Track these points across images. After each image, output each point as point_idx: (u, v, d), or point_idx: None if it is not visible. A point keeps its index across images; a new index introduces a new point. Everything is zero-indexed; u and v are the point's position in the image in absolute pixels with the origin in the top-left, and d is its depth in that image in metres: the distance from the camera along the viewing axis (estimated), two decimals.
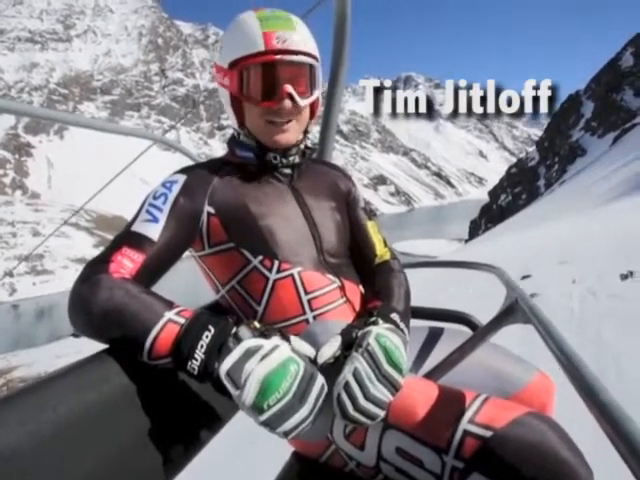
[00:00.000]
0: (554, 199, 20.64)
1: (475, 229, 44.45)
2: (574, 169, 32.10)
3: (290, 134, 0.92)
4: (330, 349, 0.78)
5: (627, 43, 41.32)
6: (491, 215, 43.75)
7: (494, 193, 48.82)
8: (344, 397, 0.71)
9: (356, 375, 0.72)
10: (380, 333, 0.77)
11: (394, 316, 0.86)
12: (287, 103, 0.87)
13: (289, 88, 0.86)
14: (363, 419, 0.71)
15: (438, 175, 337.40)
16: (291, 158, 0.95)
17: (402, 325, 0.86)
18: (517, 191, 43.82)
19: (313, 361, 0.76)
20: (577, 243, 5.93)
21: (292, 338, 0.74)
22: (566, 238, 6.28)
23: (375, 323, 0.82)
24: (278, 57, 0.85)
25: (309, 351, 0.75)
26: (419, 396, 0.81)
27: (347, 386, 0.71)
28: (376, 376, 0.73)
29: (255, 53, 0.85)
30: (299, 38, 0.87)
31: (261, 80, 0.87)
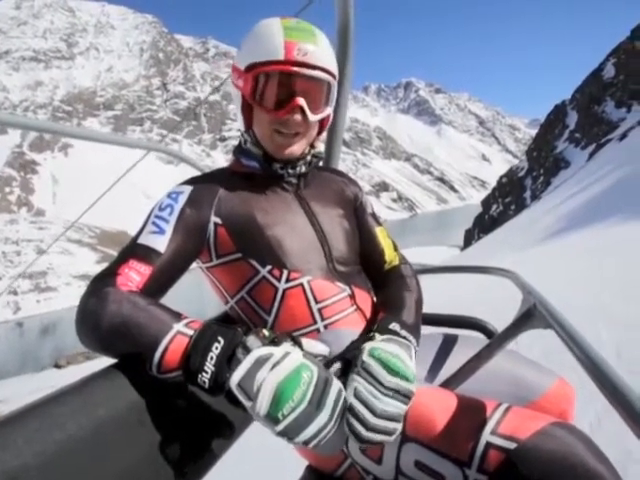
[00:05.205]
0: (504, 230, 20.52)
1: (469, 238, 44.51)
2: (557, 181, 32.26)
3: (295, 147, 0.91)
4: None
5: (609, 53, 40.73)
6: (483, 225, 43.85)
7: (487, 203, 48.85)
8: (353, 421, 0.68)
9: (358, 395, 0.70)
10: (373, 347, 0.75)
11: (393, 326, 0.84)
12: (297, 116, 0.87)
13: (301, 101, 0.86)
14: (380, 437, 0.69)
15: (441, 180, 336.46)
16: (297, 168, 0.95)
17: (404, 332, 0.83)
18: (507, 201, 43.87)
19: (329, 361, 0.76)
20: (475, 300, 6.08)
21: (304, 340, 0.73)
22: (472, 292, 6.36)
23: (372, 339, 0.80)
24: (295, 69, 0.84)
25: (323, 350, 0.74)
26: (437, 406, 0.78)
27: (352, 409, 0.69)
28: (379, 391, 0.70)
29: (273, 61, 0.84)
30: (320, 53, 0.86)
31: (275, 88, 0.86)
